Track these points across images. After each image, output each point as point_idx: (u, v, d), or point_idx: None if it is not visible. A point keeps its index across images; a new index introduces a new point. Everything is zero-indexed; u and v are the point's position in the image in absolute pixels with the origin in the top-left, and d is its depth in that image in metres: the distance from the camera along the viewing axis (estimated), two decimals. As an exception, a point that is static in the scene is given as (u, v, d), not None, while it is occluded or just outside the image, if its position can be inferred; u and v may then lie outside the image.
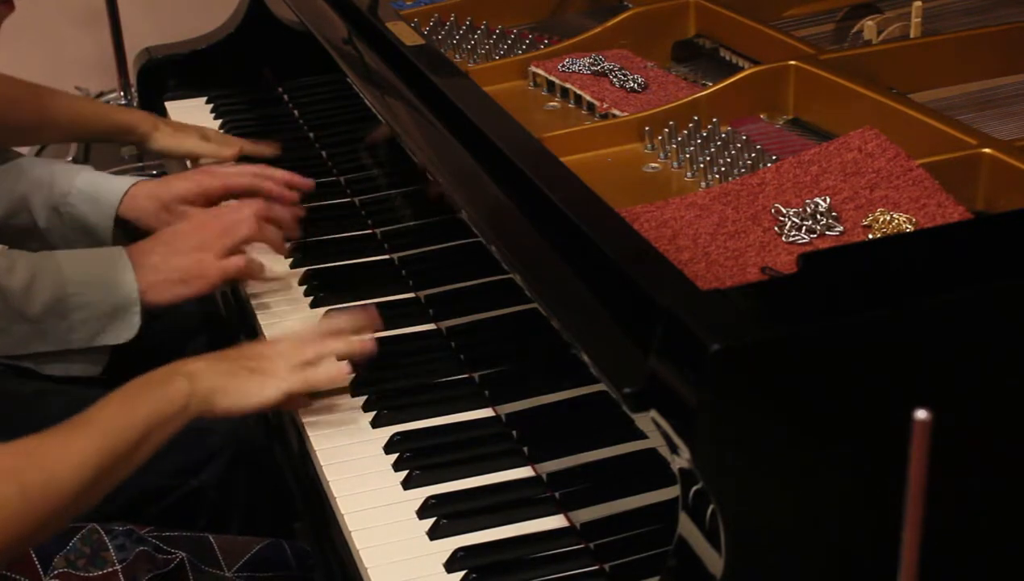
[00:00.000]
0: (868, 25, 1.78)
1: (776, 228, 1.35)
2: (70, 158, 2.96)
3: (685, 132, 1.58)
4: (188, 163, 2.11)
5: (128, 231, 1.84)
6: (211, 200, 1.84)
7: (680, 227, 1.36)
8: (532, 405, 1.43)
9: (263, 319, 1.70)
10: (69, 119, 2.01)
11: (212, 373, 1.39)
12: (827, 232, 1.33)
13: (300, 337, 1.49)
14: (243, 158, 2.07)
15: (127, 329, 1.63)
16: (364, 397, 1.51)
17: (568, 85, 1.77)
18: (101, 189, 1.82)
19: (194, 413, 1.36)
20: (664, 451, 1.10)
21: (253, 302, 1.74)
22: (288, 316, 1.71)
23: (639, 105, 1.68)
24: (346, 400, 1.51)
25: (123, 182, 1.84)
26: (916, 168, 1.38)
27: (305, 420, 1.49)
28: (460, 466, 1.40)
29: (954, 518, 1.07)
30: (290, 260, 1.81)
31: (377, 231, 1.89)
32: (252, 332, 1.71)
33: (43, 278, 1.59)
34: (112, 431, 1.26)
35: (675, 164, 1.58)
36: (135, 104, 2.70)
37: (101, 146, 2.98)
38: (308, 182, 1.90)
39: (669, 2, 1.91)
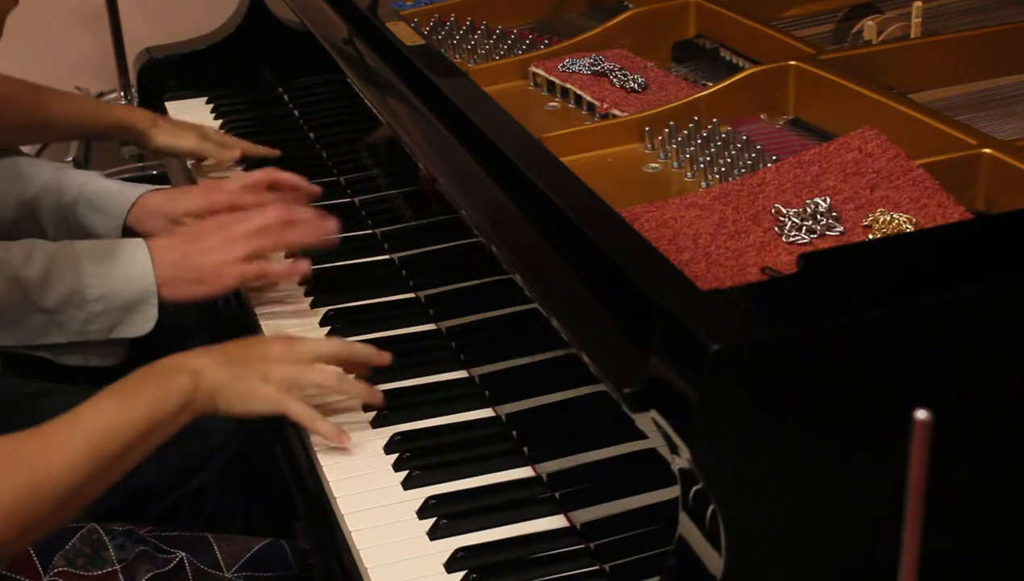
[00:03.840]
0: (868, 25, 1.78)
1: (776, 228, 1.35)
2: (70, 158, 2.95)
3: (685, 132, 1.58)
4: (188, 163, 2.11)
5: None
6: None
7: (680, 227, 1.36)
8: (532, 405, 1.43)
9: (263, 319, 1.70)
10: (67, 118, 2.01)
11: (218, 372, 1.36)
12: (827, 232, 1.33)
13: (309, 353, 1.44)
14: (244, 161, 2.08)
15: (144, 322, 1.63)
16: (364, 397, 1.51)
17: (568, 85, 1.77)
18: (109, 201, 1.80)
19: (197, 411, 1.34)
20: (664, 451, 1.10)
21: (253, 301, 1.74)
22: (288, 316, 1.71)
23: (639, 105, 1.68)
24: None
25: (130, 193, 1.82)
26: (916, 168, 1.38)
27: (305, 420, 1.49)
28: (460, 466, 1.40)
29: (954, 518, 1.07)
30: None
31: (377, 231, 1.89)
32: (252, 332, 1.70)
33: (60, 269, 1.59)
34: (108, 430, 1.24)
35: (675, 164, 1.57)
36: (135, 104, 2.70)
37: (101, 146, 2.97)
38: (315, 188, 1.89)
39: (669, 2, 1.91)
